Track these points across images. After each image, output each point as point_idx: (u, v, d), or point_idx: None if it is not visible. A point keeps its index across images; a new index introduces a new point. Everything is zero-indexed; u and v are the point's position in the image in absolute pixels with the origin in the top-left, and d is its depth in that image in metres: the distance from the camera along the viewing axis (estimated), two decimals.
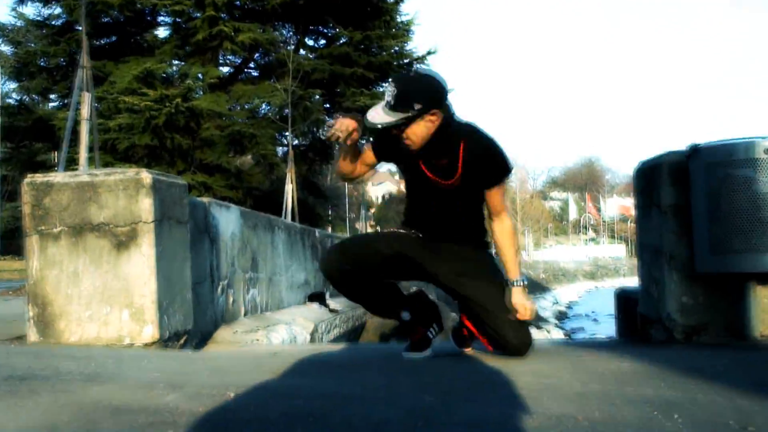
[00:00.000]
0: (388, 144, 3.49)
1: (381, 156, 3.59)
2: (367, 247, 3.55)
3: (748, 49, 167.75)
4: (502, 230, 3.61)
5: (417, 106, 3.24)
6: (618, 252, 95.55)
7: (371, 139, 3.62)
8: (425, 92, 3.26)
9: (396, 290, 3.70)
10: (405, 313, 3.65)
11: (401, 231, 3.63)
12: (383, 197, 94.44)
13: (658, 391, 2.61)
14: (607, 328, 24.35)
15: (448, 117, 3.34)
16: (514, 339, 3.47)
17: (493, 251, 3.75)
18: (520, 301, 3.47)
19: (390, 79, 3.37)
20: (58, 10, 18.11)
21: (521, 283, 3.51)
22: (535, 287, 47.83)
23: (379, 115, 3.27)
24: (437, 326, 3.76)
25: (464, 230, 3.61)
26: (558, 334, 24.10)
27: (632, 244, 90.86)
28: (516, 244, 3.63)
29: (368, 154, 3.61)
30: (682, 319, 4.09)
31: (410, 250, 3.56)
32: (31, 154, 19.05)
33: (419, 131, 3.30)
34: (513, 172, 3.58)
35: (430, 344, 3.69)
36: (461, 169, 3.41)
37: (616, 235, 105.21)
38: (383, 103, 3.29)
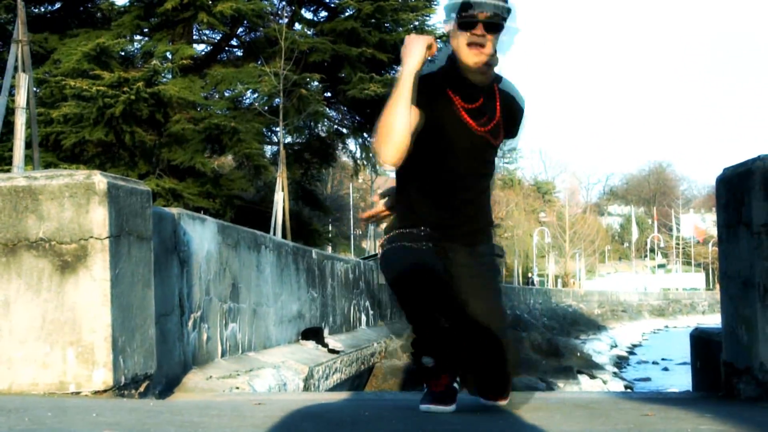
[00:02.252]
0: (428, 89, 3.59)
1: (422, 102, 3.55)
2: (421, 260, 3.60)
3: None
4: None
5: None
6: (695, 282, 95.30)
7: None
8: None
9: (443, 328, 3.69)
10: (427, 359, 3.65)
11: (412, 245, 3.63)
12: None
13: None
14: (680, 379, 24.23)
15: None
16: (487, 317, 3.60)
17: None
18: None
19: None
20: None
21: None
22: (588, 325, 47.63)
23: None
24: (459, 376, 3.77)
25: (486, 209, 3.84)
26: (617, 386, 23.99)
27: (714, 272, 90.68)
28: None
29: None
30: None
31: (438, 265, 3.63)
32: None
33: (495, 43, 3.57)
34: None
35: (456, 397, 3.68)
36: (499, 113, 3.72)
37: (692, 261, 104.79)
38: None
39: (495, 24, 3.48)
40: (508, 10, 3.52)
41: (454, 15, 3.52)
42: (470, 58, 3.50)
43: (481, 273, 3.69)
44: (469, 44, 3.48)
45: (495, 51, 3.54)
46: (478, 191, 3.76)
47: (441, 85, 3.63)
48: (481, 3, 3.44)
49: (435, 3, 20.22)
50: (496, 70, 3.66)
